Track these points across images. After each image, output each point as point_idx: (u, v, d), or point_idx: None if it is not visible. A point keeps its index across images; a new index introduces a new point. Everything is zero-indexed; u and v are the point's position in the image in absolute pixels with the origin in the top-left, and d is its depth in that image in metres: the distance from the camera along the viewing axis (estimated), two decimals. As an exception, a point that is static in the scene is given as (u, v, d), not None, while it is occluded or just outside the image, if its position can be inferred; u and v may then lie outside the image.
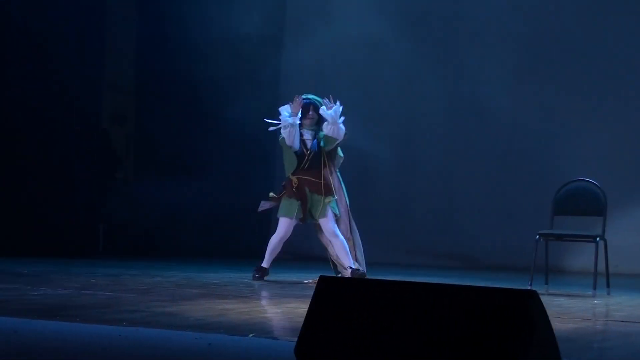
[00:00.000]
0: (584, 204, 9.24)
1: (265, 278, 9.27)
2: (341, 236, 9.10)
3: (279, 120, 9.16)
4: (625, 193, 11.54)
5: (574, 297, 8.56)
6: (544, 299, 7.98)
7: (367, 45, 13.12)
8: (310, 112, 9.17)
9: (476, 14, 12.71)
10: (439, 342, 3.58)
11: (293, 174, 9.15)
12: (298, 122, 9.10)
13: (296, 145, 9.09)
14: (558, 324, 6.08)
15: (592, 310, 7.45)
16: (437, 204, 12.86)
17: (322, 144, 9.17)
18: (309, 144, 9.17)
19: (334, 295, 3.84)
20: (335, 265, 9.20)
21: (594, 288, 8.75)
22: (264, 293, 8.07)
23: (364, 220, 13.27)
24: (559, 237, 9.04)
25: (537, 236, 8.83)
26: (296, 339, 3.93)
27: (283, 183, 9.35)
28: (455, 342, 3.56)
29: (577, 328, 6.11)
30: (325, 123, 9.12)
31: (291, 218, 9.14)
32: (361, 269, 9.01)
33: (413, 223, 13.04)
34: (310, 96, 9.25)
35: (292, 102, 9.11)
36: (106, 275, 9.34)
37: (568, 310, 7.29)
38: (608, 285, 8.94)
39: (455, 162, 12.80)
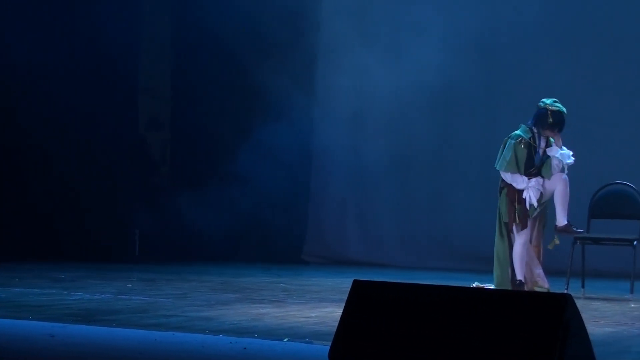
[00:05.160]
0: (621, 207, 9.19)
1: None
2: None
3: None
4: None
5: (611, 301, 8.51)
6: (581, 303, 7.93)
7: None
8: (561, 130, 8.62)
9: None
10: (474, 346, 3.57)
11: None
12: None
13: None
14: (594, 328, 6.06)
15: (629, 314, 7.40)
16: (475, 208, 12.78)
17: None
18: (540, 151, 8.67)
19: (368, 300, 3.83)
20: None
21: (631, 292, 8.69)
22: (299, 297, 8.07)
23: (404, 223, 13.35)
24: (596, 241, 8.99)
25: (574, 240, 8.78)
26: (330, 343, 3.93)
27: (502, 185, 8.77)
28: (490, 346, 3.55)
29: (614, 332, 6.07)
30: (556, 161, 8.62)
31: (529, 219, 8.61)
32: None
33: (454, 227, 12.99)
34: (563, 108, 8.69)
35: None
36: (142, 280, 9.39)
37: (604, 314, 7.25)
38: (645, 289, 8.90)
39: (491, 165, 12.73)
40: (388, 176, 13.45)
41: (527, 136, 8.63)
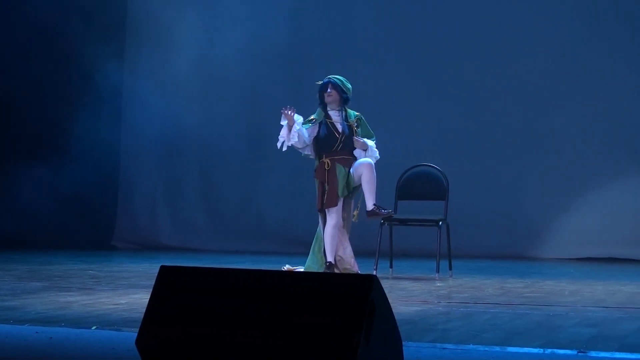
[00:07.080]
0: (427, 188, 9.42)
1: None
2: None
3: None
4: (464, 176, 11.77)
5: (418, 281, 8.71)
6: (389, 283, 8.10)
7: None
8: (329, 90, 8.61)
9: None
10: (282, 328, 3.59)
11: (326, 156, 8.63)
12: (296, 126, 8.52)
13: (305, 141, 8.60)
14: (402, 307, 6.19)
15: (434, 293, 7.60)
16: (286, 191, 12.89)
17: (356, 126, 8.68)
18: (339, 126, 8.63)
19: (176, 285, 3.80)
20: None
21: (437, 271, 8.92)
22: (109, 284, 7.95)
23: (216, 207, 13.31)
24: (403, 222, 9.18)
25: (382, 221, 8.95)
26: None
27: (315, 168, 8.76)
28: (298, 328, 3.57)
29: (420, 310, 6.22)
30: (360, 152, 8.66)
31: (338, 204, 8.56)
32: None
33: (266, 210, 13.05)
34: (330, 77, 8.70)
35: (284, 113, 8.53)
36: (-57, 269, 9.08)
37: (412, 294, 7.42)
38: (450, 268, 9.15)
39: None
40: (199, 158, 13.38)
41: (319, 117, 8.73)
